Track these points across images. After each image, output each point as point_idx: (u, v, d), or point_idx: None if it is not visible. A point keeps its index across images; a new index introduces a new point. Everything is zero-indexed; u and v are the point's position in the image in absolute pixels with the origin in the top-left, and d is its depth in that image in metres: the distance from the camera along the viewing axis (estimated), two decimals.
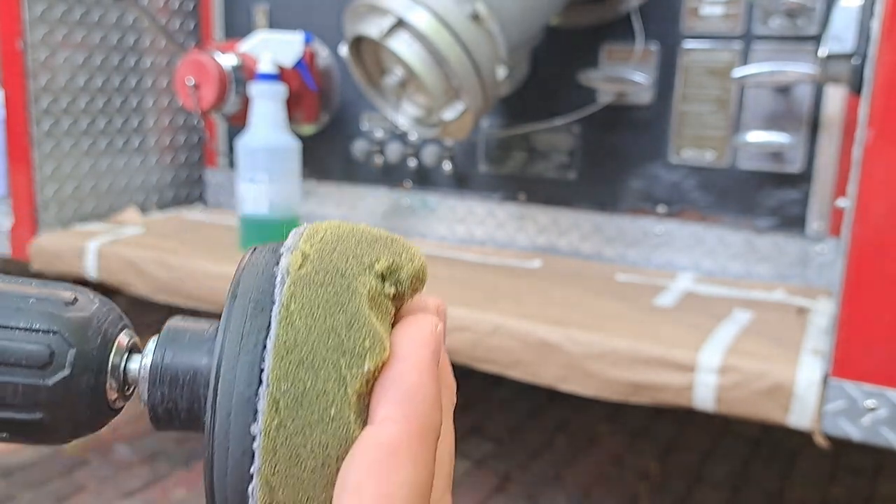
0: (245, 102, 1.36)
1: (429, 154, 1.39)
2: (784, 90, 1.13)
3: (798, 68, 1.08)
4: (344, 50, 1.17)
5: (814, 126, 1.12)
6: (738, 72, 1.12)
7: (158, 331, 0.26)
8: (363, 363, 0.22)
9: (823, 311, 1.02)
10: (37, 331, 0.24)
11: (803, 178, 1.14)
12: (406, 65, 1.07)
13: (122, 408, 0.26)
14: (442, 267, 1.22)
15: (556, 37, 1.27)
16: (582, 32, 1.25)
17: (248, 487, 0.22)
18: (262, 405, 0.22)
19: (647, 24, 1.20)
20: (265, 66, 1.31)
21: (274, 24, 1.53)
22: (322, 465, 0.22)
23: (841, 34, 0.89)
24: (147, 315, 1.02)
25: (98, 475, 1.25)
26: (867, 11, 0.85)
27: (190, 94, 1.34)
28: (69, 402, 0.24)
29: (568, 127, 1.29)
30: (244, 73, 1.36)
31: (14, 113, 1.35)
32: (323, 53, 1.47)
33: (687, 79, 1.19)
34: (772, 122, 1.14)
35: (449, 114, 1.10)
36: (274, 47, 1.37)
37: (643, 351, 0.87)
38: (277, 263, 0.24)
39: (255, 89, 1.28)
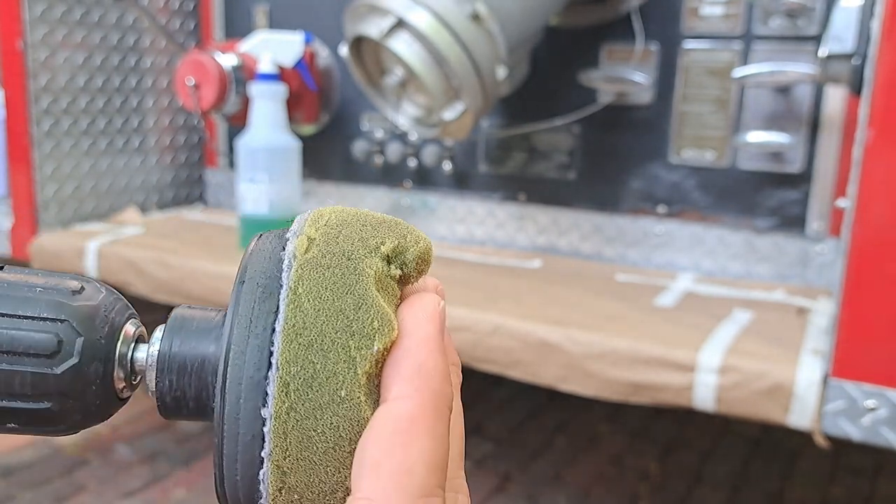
0: (245, 102, 1.36)
1: (429, 154, 1.39)
2: (784, 90, 1.13)
3: (798, 68, 1.08)
4: (344, 50, 1.17)
5: (814, 126, 1.12)
6: (738, 72, 1.12)
7: (165, 321, 0.26)
8: (372, 344, 0.22)
9: (823, 311, 1.02)
10: (44, 319, 0.24)
11: (803, 178, 1.14)
12: (406, 65, 1.07)
13: (130, 397, 0.26)
14: (442, 267, 1.22)
15: (556, 37, 1.27)
16: (582, 32, 1.25)
17: (258, 472, 0.22)
18: (273, 388, 0.22)
19: (648, 24, 1.20)
20: (265, 66, 1.31)
21: (274, 24, 1.53)
22: (334, 447, 0.22)
23: (841, 34, 0.89)
24: (147, 315, 1.02)
25: (98, 475, 1.25)
26: (867, 11, 0.85)
27: (190, 94, 1.34)
28: (77, 391, 0.24)
29: (568, 127, 1.29)
30: (244, 73, 1.36)
31: (14, 113, 1.35)
32: (323, 53, 1.47)
33: (687, 79, 1.19)
34: (772, 122, 1.14)
35: (449, 114, 1.10)
36: (274, 47, 1.37)
37: (643, 351, 0.87)
38: (284, 248, 0.24)
39: (255, 89, 1.28)
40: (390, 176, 1.46)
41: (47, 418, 0.24)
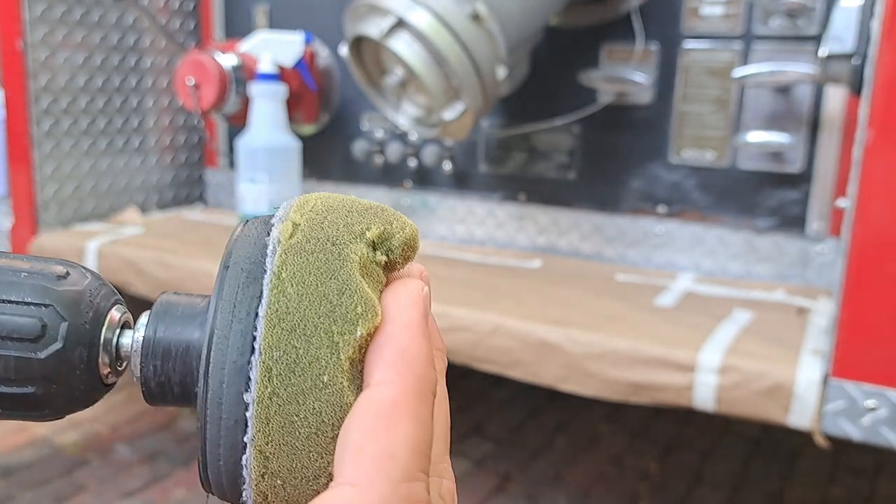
0: (245, 102, 1.36)
1: (429, 154, 1.39)
2: (784, 90, 1.13)
3: (798, 68, 1.08)
4: (344, 50, 1.17)
5: (814, 126, 1.12)
6: (738, 72, 1.12)
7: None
8: (355, 329, 0.22)
9: (823, 311, 1.02)
10: (29, 304, 0.24)
11: (803, 178, 1.14)
12: (406, 65, 1.07)
13: (115, 383, 0.26)
14: (442, 267, 1.22)
15: (556, 37, 1.27)
16: (582, 32, 1.25)
17: (241, 457, 0.22)
18: (255, 373, 0.22)
19: (647, 24, 1.20)
20: (265, 66, 1.31)
21: (274, 24, 1.53)
22: (316, 432, 0.22)
23: (841, 34, 0.89)
24: None
25: (98, 475, 1.25)
26: (867, 11, 0.85)
27: (190, 94, 1.34)
28: (62, 376, 0.24)
29: (568, 127, 1.29)
30: (244, 73, 1.36)
31: (14, 113, 1.35)
32: (323, 53, 1.47)
33: (687, 79, 1.19)
34: (772, 122, 1.14)
35: (449, 114, 1.10)
36: (274, 47, 1.37)
37: (643, 351, 0.87)
38: (269, 233, 0.24)
39: (255, 89, 1.28)
40: (390, 176, 1.46)
41: (31, 403, 0.24)
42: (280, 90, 1.30)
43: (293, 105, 1.38)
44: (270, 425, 0.22)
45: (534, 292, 1.08)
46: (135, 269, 1.22)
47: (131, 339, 0.25)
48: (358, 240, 0.24)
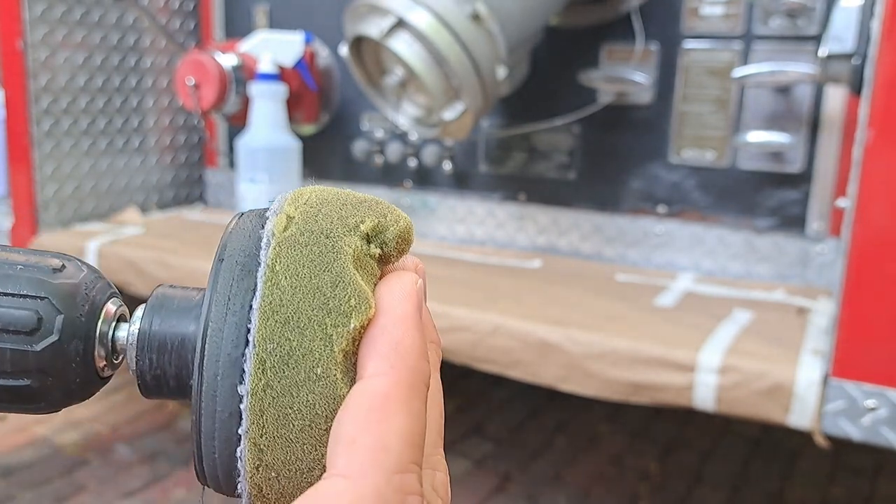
0: (245, 102, 1.36)
1: (429, 154, 1.39)
2: (784, 90, 1.13)
3: (798, 68, 1.08)
4: (344, 50, 1.17)
5: (814, 126, 1.12)
6: (738, 72, 1.12)
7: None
8: (349, 321, 0.22)
9: (823, 311, 1.02)
10: (24, 296, 0.24)
11: (803, 178, 1.14)
12: (406, 65, 1.07)
13: (111, 377, 0.26)
14: (442, 267, 1.22)
15: (556, 37, 1.27)
16: (582, 32, 1.25)
17: (236, 449, 0.22)
18: (249, 366, 0.22)
19: (647, 24, 1.20)
20: (265, 66, 1.31)
21: (274, 24, 1.53)
22: (310, 424, 0.22)
23: (841, 34, 0.89)
24: None
25: (98, 475, 1.25)
26: (867, 11, 0.85)
27: (190, 94, 1.34)
28: (57, 369, 0.24)
29: (568, 127, 1.29)
30: (244, 73, 1.36)
31: (14, 113, 1.35)
32: (323, 53, 1.47)
33: (687, 79, 1.19)
34: (772, 122, 1.14)
35: (449, 114, 1.10)
36: (274, 47, 1.37)
37: (643, 351, 0.87)
38: (263, 226, 0.24)
39: (255, 89, 1.28)
40: (390, 176, 1.46)
41: (27, 396, 0.24)
42: (280, 90, 1.30)
43: (293, 105, 1.38)
44: (264, 417, 0.22)
45: (534, 292, 1.08)
46: (135, 269, 1.22)
47: (127, 332, 0.25)
48: (352, 233, 0.24)
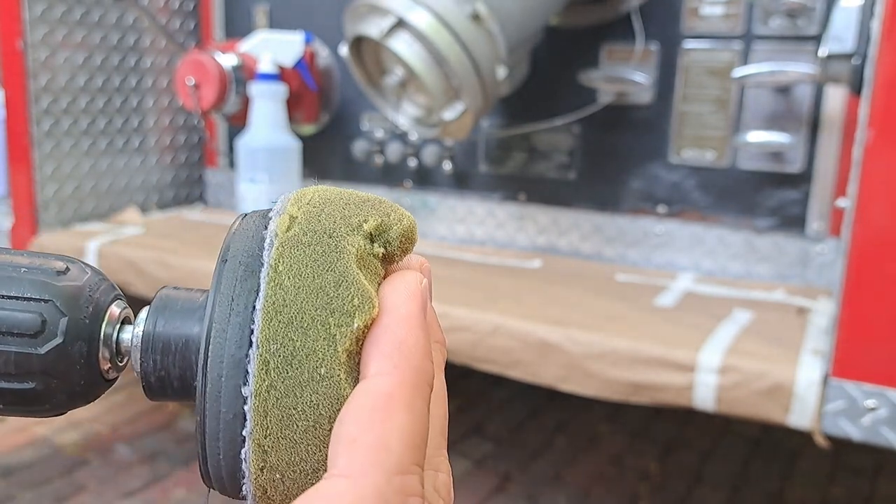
0: (245, 102, 1.36)
1: (429, 154, 1.39)
2: (784, 90, 1.13)
3: (798, 68, 1.08)
4: (344, 50, 1.17)
5: (814, 126, 1.12)
6: (738, 72, 1.12)
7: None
8: (352, 321, 0.22)
9: (823, 311, 1.02)
10: (28, 299, 0.23)
11: (803, 178, 1.14)
12: (406, 65, 1.07)
13: (116, 379, 0.26)
14: (442, 267, 1.22)
15: (556, 37, 1.27)
16: (582, 32, 1.25)
17: (240, 451, 0.22)
18: (253, 367, 0.22)
19: (647, 24, 1.20)
20: (265, 66, 1.31)
21: (274, 24, 1.53)
22: (314, 425, 0.22)
23: (841, 34, 0.89)
24: None
25: (98, 475, 1.25)
26: (867, 11, 0.85)
27: (190, 94, 1.34)
28: (62, 371, 0.24)
29: (568, 127, 1.29)
30: (244, 73, 1.36)
31: (14, 113, 1.35)
32: (323, 53, 1.47)
33: (687, 79, 1.19)
34: (772, 122, 1.14)
35: (449, 114, 1.10)
36: (274, 47, 1.37)
37: (643, 351, 0.87)
38: (266, 227, 0.24)
39: (255, 89, 1.28)
40: (390, 176, 1.46)
41: (32, 398, 0.24)
42: (280, 90, 1.30)
43: (293, 105, 1.39)
44: (268, 419, 0.22)
45: (534, 292, 1.08)
46: (135, 269, 1.22)
47: (131, 334, 0.25)
48: (355, 232, 0.24)
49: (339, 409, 0.22)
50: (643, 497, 1.25)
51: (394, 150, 1.42)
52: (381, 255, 0.24)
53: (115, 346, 0.25)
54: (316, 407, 0.22)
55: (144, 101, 1.54)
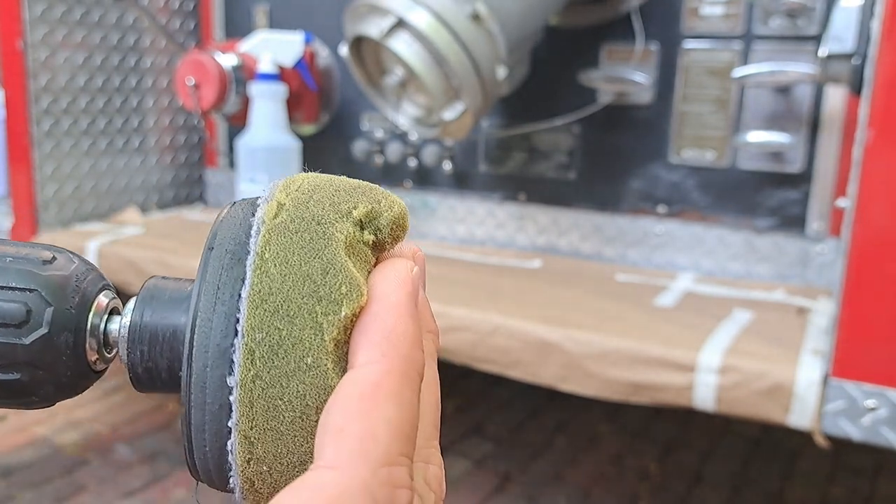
0: (245, 102, 1.36)
1: (429, 154, 1.39)
2: (784, 90, 1.13)
3: (798, 68, 1.08)
4: (344, 50, 1.17)
5: (814, 126, 1.12)
6: (738, 72, 1.12)
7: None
8: (340, 309, 0.22)
9: (823, 311, 1.02)
10: (13, 289, 0.23)
11: (803, 178, 1.14)
12: (406, 65, 1.07)
13: (104, 370, 0.26)
14: (442, 267, 1.22)
15: (556, 37, 1.27)
16: (582, 32, 1.25)
17: (227, 442, 0.22)
18: (238, 356, 0.21)
19: (647, 24, 1.20)
20: (265, 66, 1.31)
21: (274, 24, 1.53)
22: (300, 416, 0.21)
23: (841, 34, 0.89)
24: None
25: (98, 475, 1.25)
26: (867, 11, 0.85)
27: (190, 94, 1.34)
28: (48, 362, 0.23)
29: (568, 127, 1.29)
30: (244, 73, 1.36)
31: (14, 113, 1.35)
32: (323, 53, 1.47)
33: (687, 79, 1.19)
34: (772, 122, 1.14)
35: (449, 114, 1.10)
36: (274, 47, 1.37)
37: (643, 351, 0.87)
38: (254, 214, 0.23)
39: (255, 89, 1.28)
40: (390, 176, 1.46)
41: (18, 390, 0.23)
42: (280, 90, 1.30)
43: (293, 105, 1.38)
44: (254, 409, 0.21)
45: (534, 292, 1.08)
46: (135, 269, 1.22)
47: (118, 325, 0.24)
48: (344, 219, 0.23)
49: (326, 400, 0.21)
50: (643, 497, 1.25)
51: (394, 150, 1.42)
52: (371, 242, 0.24)
53: (102, 336, 0.25)
54: (303, 397, 0.21)
55: (144, 101, 1.54)
